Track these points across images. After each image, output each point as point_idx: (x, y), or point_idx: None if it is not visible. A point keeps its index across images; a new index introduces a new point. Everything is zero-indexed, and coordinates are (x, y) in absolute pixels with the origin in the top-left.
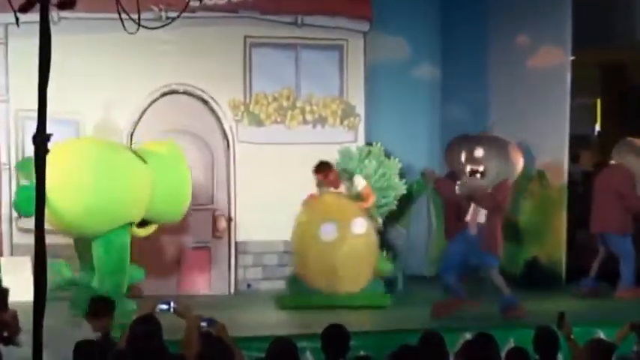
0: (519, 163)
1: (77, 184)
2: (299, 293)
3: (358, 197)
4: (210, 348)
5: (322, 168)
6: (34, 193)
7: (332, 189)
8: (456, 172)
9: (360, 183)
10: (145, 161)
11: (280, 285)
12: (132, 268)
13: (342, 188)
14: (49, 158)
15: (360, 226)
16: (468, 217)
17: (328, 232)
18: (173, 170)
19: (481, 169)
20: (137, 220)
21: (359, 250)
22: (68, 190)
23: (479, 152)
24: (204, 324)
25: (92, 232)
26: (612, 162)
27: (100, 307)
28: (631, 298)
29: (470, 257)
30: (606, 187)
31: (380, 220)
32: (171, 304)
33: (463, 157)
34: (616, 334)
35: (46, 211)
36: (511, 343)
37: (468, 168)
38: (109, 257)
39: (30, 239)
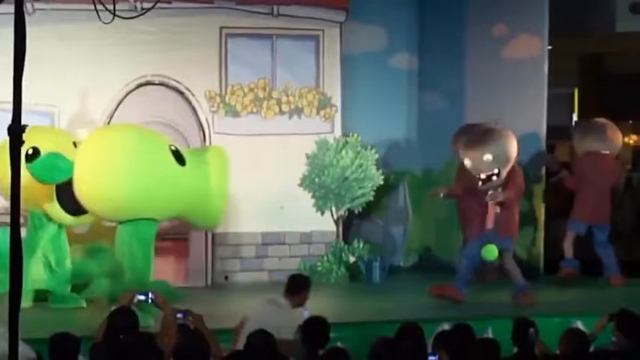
0: (514, 146)
1: (104, 168)
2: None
3: None
4: (187, 339)
5: None
6: (54, 162)
7: None
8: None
9: None
10: (183, 162)
11: (258, 277)
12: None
13: None
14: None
15: None
16: (488, 219)
17: None
18: (212, 176)
19: (496, 171)
20: (161, 217)
21: None
22: (94, 172)
23: (488, 156)
24: (180, 315)
25: (112, 216)
26: (604, 152)
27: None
28: (622, 285)
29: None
30: (599, 177)
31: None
32: (150, 294)
33: (470, 165)
34: (594, 325)
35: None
36: (489, 334)
37: (483, 176)
38: (129, 247)
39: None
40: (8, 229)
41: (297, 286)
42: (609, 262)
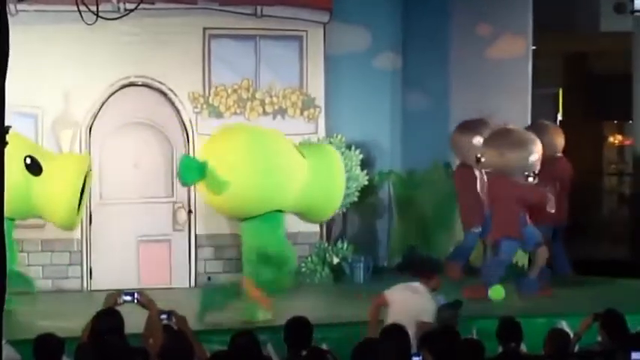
0: None
1: (236, 165)
2: None
3: None
4: (172, 341)
5: None
6: (194, 164)
7: None
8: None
9: None
10: (303, 156)
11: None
12: (21, 277)
13: None
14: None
15: None
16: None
17: None
18: (329, 171)
19: (536, 171)
20: (288, 210)
21: None
22: (226, 170)
23: (534, 157)
24: (164, 317)
25: (244, 213)
26: (558, 155)
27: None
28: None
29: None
30: (552, 179)
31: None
32: (135, 295)
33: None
34: (579, 324)
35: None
36: (474, 334)
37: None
38: (258, 241)
39: None
40: None
41: (431, 270)
42: (562, 257)
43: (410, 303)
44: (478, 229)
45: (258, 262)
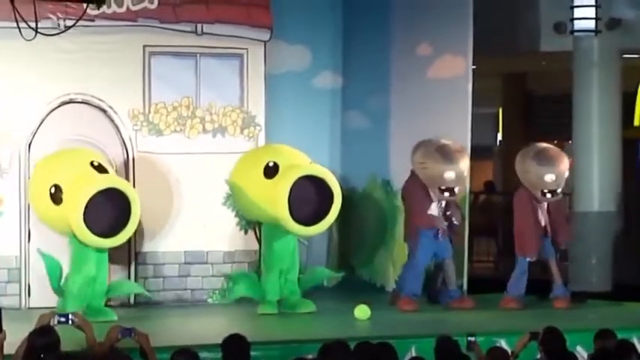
0: None
1: None
2: None
3: None
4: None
5: None
6: None
7: None
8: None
9: None
10: None
11: (181, 296)
12: None
13: None
14: None
15: None
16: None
17: None
18: None
19: (559, 190)
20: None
21: None
22: None
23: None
24: (125, 333)
25: None
26: None
27: None
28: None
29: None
30: None
31: None
32: (70, 316)
33: (547, 179)
34: (516, 343)
35: None
36: (412, 352)
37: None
38: None
39: None
40: None
41: None
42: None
43: None
44: (532, 259)
45: None
